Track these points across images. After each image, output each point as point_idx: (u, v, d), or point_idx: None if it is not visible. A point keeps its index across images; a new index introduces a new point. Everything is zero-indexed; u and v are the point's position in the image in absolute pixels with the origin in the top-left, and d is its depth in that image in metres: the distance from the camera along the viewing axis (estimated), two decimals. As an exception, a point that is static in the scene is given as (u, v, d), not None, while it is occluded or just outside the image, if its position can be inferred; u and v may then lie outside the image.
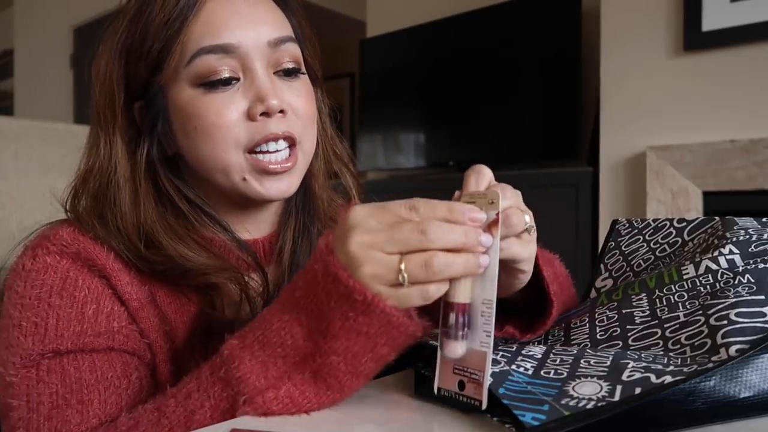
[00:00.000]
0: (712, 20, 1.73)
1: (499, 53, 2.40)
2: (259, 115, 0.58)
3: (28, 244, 0.58)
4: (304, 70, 0.64)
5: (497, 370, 0.46)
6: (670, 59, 1.82)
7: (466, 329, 0.44)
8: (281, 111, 0.60)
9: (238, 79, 0.59)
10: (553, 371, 0.46)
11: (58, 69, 4.76)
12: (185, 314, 0.60)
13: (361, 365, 0.44)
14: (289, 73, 0.62)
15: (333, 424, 0.43)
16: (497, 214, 0.44)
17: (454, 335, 0.44)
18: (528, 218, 0.47)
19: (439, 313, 0.45)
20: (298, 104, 0.62)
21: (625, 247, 0.73)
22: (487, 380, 0.43)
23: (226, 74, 0.58)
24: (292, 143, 0.61)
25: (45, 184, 0.92)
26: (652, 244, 0.71)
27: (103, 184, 0.60)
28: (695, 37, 1.75)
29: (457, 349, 0.44)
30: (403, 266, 0.41)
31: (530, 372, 0.46)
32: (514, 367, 0.47)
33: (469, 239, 0.42)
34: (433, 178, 2.60)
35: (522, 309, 0.59)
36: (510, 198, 0.46)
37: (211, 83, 0.58)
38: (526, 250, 0.48)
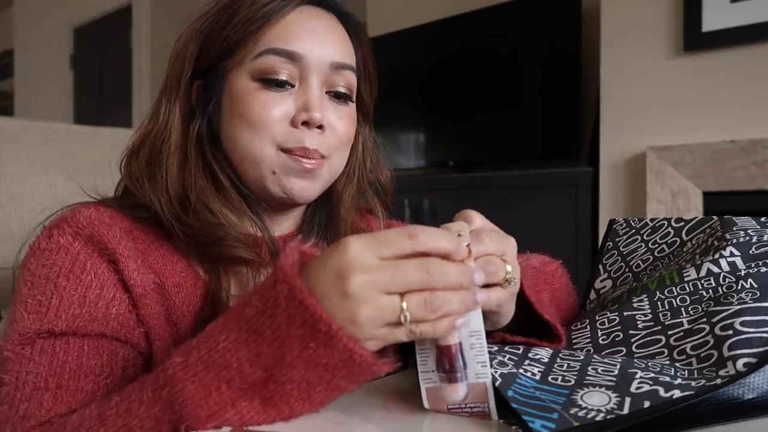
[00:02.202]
0: (712, 20, 1.72)
1: (499, 53, 2.40)
2: (301, 123, 0.63)
3: (46, 225, 0.61)
4: (354, 98, 0.69)
5: (505, 372, 0.45)
6: (670, 59, 1.82)
7: (464, 369, 0.43)
8: (320, 126, 0.64)
9: (293, 86, 0.64)
10: (560, 377, 0.46)
11: (58, 69, 4.76)
12: (192, 303, 0.62)
13: (315, 394, 0.42)
14: (339, 97, 0.66)
15: (333, 424, 0.43)
16: (468, 245, 0.43)
17: (454, 378, 0.43)
18: (509, 268, 0.47)
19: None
20: (339, 125, 0.66)
21: (623, 248, 0.73)
22: (494, 408, 0.43)
23: (283, 77, 0.63)
24: (321, 158, 0.65)
25: (45, 184, 0.92)
26: (650, 244, 0.71)
27: (157, 147, 0.64)
28: (695, 38, 1.75)
29: (459, 391, 0.43)
30: (404, 305, 0.40)
31: (537, 377, 0.46)
32: (521, 371, 0.47)
33: (465, 279, 0.42)
34: (433, 178, 2.60)
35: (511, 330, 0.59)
36: (490, 245, 0.47)
37: (268, 80, 0.63)
38: (502, 303, 0.49)
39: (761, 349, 0.45)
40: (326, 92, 0.66)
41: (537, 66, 2.32)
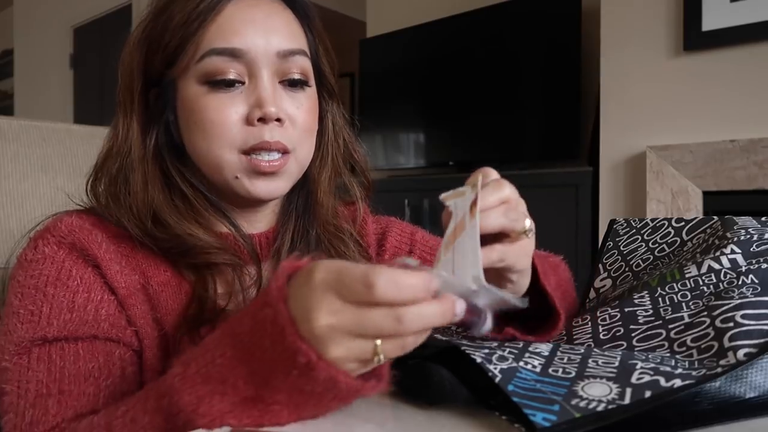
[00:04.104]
0: (712, 20, 1.73)
1: (499, 53, 2.40)
2: (257, 120, 0.61)
3: (32, 236, 0.62)
4: (311, 83, 0.66)
5: (505, 367, 0.45)
6: (670, 59, 1.82)
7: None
8: (278, 120, 0.62)
9: (243, 83, 0.62)
10: (561, 369, 0.46)
11: (58, 69, 4.75)
12: (177, 302, 0.62)
13: (305, 412, 0.42)
14: (295, 84, 0.64)
15: (333, 424, 0.43)
16: (475, 200, 0.43)
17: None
18: (528, 222, 0.47)
19: None
20: (298, 115, 0.64)
21: (623, 247, 0.73)
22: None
23: (231, 76, 0.61)
24: (284, 152, 0.63)
25: (45, 184, 0.91)
26: (650, 244, 0.71)
27: (119, 164, 0.63)
28: (695, 37, 1.75)
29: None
30: (379, 347, 0.38)
31: (538, 370, 0.46)
32: (521, 363, 0.47)
33: (447, 317, 0.38)
34: (433, 178, 2.60)
35: (522, 315, 0.59)
36: (512, 193, 0.47)
37: (216, 83, 0.61)
38: (520, 261, 0.48)
39: (762, 340, 0.45)
40: (280, 82, 0.63)
41: (537, 66, 2.32)
